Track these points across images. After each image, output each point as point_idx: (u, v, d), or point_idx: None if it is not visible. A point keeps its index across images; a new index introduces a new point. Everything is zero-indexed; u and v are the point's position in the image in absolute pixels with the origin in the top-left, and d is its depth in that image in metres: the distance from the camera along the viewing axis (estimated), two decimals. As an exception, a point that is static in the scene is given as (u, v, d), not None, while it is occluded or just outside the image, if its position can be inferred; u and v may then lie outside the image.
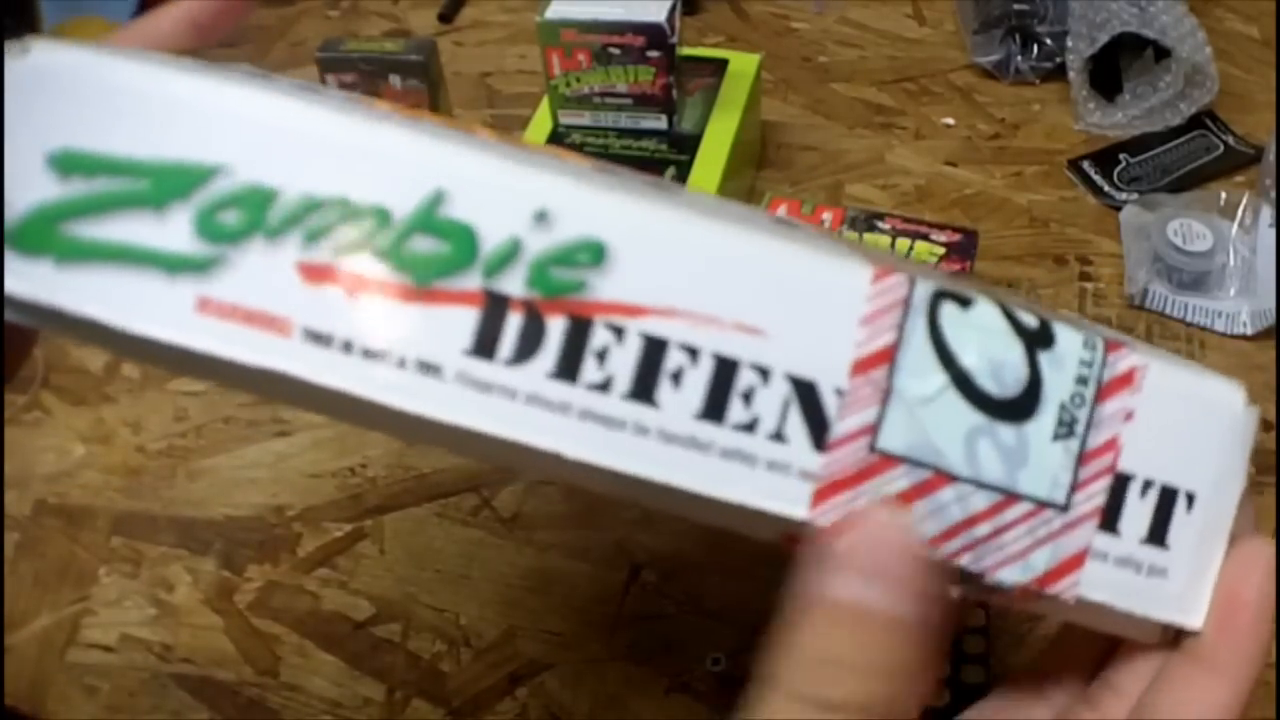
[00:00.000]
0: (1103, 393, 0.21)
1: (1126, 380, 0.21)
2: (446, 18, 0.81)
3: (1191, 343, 0.56)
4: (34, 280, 0.19)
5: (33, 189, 0.19)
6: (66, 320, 0.19)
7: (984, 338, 0.21)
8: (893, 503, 0.20)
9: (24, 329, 0.23)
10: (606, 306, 0.19)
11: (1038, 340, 0.21)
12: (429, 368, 0.19)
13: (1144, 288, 0.57)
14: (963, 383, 0.21)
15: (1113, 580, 0.22)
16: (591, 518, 0.48)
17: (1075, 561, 0.22)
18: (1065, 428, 0.21)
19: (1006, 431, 0.21)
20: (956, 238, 0.52)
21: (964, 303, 0.21)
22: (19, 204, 0.19)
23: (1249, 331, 0.55)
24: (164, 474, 0.51)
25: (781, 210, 0.55)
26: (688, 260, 0.20)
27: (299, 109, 0.19)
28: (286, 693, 0.43)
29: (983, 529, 0.21)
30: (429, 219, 0.19)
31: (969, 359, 0.21)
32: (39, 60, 0.19)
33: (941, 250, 0.51)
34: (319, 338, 0.19)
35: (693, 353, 0.20)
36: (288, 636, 0.44)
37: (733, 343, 0.20)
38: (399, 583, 0.46)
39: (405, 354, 0.19)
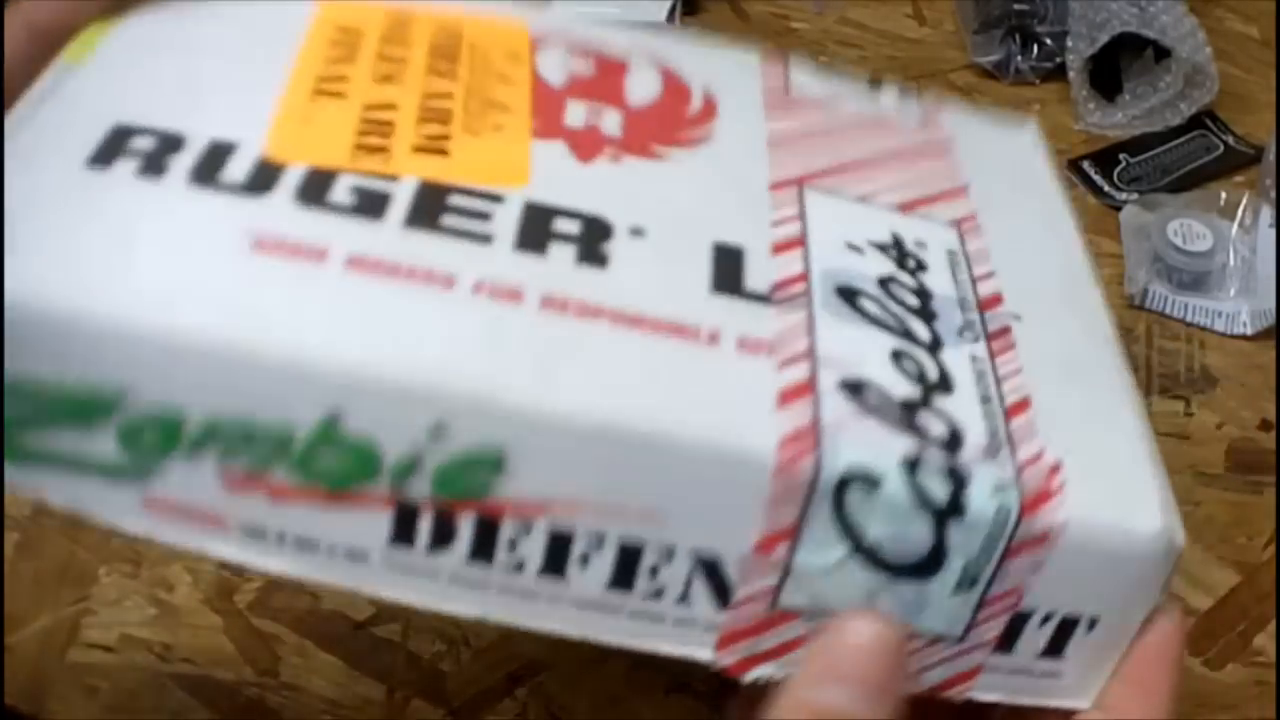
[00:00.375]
0: (1011, 551, 0.21)
1: (1040, 539, 0.21)
2: (446, 18, 0.81)
3: (1191, 343, 0.56)
4: None
5: None
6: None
7: (889, 515, 0.20)
8: (869, 613, 0.21)
9: None
10: (511, 506, 0.20)
11: (948, 512, 0.21)
12: (357, 555, 0.21)
13: (1144, 287, 0.57)
14: (865, 554, 0.21)
15: (1004, 684, 0.22)
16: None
17: (967, 676, 0.22)
18: (968, 582, 0.21)
19: (906, 588, 0.21)
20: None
21: (871, 484, 0.20)
22: None
23: (1249, 331, 0.55)
24: (164, 474, 0.51)
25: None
26: (588, 456, 0.20)
27: (188, 329, 0.19)
28: (286, 693, 0.43)
29: None
30: (329, 437, 0.20)
31: (873, 534, 0.21)
32: None
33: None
34: (255, 532, 0.21)
35: (599, 539, 0.21)
36: (288, 636, 0.44)
37: (637, 529, 0.20)
38: (399, 583, 0.46)
39: (334, 545, 0.21)
